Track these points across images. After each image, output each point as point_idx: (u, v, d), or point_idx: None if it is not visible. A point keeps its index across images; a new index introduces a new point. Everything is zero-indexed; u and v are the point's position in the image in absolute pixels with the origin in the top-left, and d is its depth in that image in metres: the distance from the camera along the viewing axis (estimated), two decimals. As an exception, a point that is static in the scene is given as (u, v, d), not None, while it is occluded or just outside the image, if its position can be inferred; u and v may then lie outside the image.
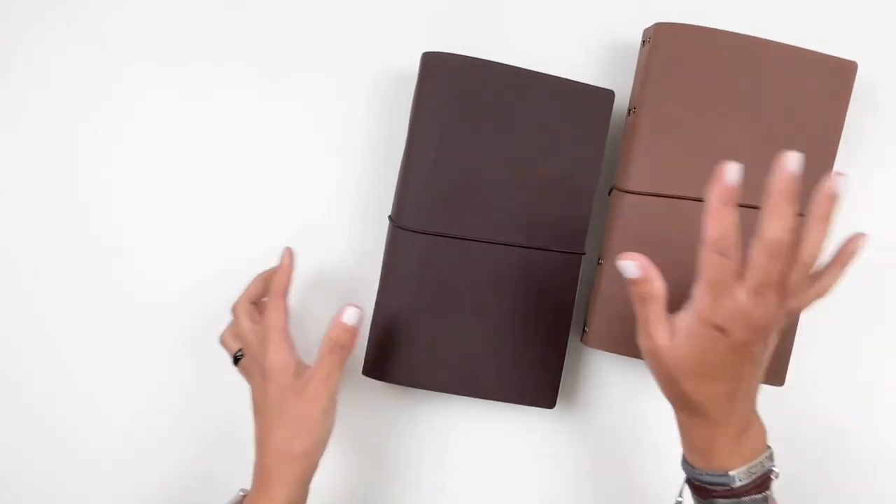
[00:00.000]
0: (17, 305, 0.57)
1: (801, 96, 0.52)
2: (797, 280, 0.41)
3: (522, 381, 0.53)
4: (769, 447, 0.45)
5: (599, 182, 0.53)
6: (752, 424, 0.44)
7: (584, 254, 0.53)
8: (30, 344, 0.57)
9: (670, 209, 0.52)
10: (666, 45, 0.52)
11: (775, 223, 0.39)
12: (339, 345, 0.47)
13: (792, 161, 0.40)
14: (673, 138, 0.52)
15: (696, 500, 0.46)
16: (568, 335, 0.54)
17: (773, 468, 0.45)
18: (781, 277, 0.40)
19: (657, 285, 0.42)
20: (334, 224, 0.58)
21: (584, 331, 0.55)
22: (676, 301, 0.52)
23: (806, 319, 0.55)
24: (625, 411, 0.59)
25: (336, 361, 0.47)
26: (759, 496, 0.43)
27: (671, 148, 0.52)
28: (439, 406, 0.58)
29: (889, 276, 0.60)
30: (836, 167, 0.53)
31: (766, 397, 0.59)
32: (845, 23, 0.59)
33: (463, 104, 0.51)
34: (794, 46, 0.52)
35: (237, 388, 0.51)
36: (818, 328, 0.59)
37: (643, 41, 0.54)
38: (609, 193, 0.55)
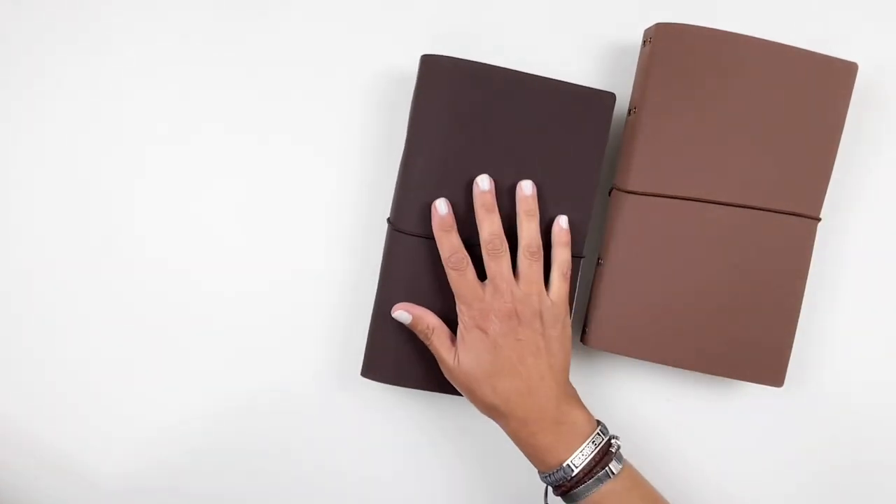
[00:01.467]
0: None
1: (801, 96, 0.52)
2: (526, 267, 0.49)
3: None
4: (598, 422, 0.49)
5: (599, 185, 0.53)
6: (567, 410, 0.48)
7: (583, 257, 0.53)
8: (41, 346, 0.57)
9: (670, 209, 0.52)
10: (666, 45, 0.52)
11: (485, 229, 0.49)
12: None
13: (483, 182, 0.50)
14: (673, 138, 0.52)
15: (563, 500, 0.48)
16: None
17: (613, 439, 0.48)
18: (507, 269, 0.48)
19: (430, 320, 0.50)
20: (333, 225, 0.58)
21: (583, 331, 0.55)
22: (669, 307, 0.53)
23: (806, 319, 0.55)
24: (625, 412, 0.59)
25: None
26: (602, 472, 0.46)
27: (671, 148, 0.52)
28: (439, 407, 0.58)
29: (889, 275, 0.60)
30: (836, 167, 0.53)
31: (767, 397, 0.59)
32: (845, 23, 0.59)
33: (462, 107, 0.51)
34: (794, 47, 0.52)
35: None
36: (818, 328, 0.59)
37: (643, 41, 0.54)
38: (609, 193, 0.55)
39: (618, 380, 0.59)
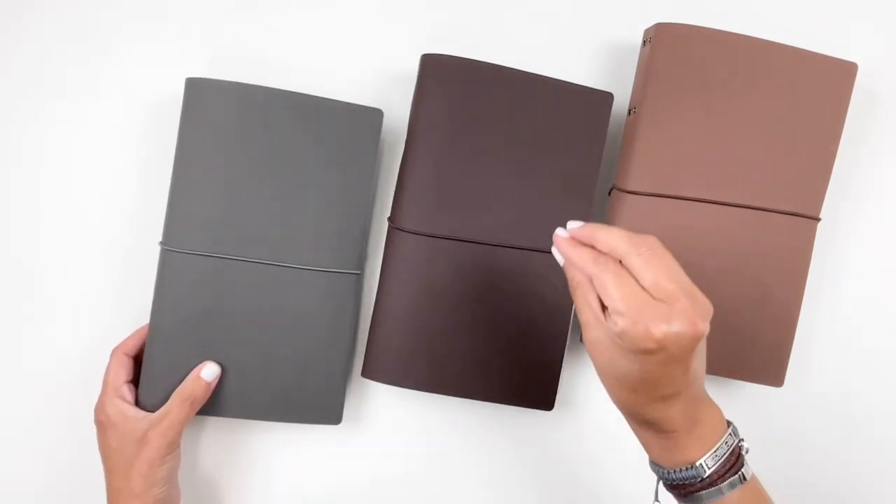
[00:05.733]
0: None
1: (801, 96, 0.52)
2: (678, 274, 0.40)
3: (521, 383, 0.53)
4: (729, 422, 0.44)
5: (598, 185, 0.53)
6: (702, 409, 0.43)
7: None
8: None
9: (670, 209, 0.52)
10: (666, 45, 0.52)
11: (612, 239, 0.40)
12: (191, 397, 0.49)
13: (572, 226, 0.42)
14: (673, 138, 0.52)
15: (677, 499, 0.44)
16: (567, 336, 0.54)
17: (741, 442, 0.43)
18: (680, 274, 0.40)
19: (576, 273, 0.42)
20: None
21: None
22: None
23: (806, 319, 0.55)
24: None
25: (184, 414, 0.49)
26: (735, 477, 0.42)
27: (671, 148, 0.52)
28: (439, 408, 0.58)
29: (889, 275, 0.60)
30: (836, 167, 0.53)
31: (767, 397, 0.59)
32: (845, 23, 0.59)
33: (462, 106, 0.51)
34: (794, 47, 0.52)
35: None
36: (818, 328, 0.59)
37: (644, 41, 0.54)
38: (609, 193, 0.55)
39: (618, 380, 0.59)
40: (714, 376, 0.55)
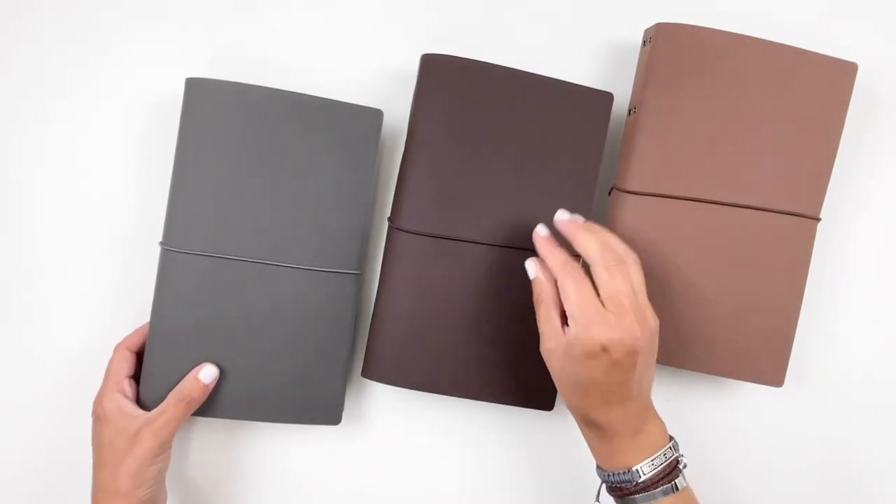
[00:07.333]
0: None
1: (801, 96, 0.52)
2: (638, 279, 0.46)
3: (521, 383, 0.53)
4: (671, 438, 0.48)
5: (598, 185, 0.53)
6: (647, 419, 0.47)
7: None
8: None
9: (670, 209, 0.52)
10: (666, 45, 0.52)
11: (590, 245, 0.45)
12: (187, 398, 0.49)
13: (561, 215, 0.47)
14: (673, 138, 0.52)
15: (616, 501, 0.48)
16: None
17: (680, 457, 0.47)
18: (627, 285, 0.45)
19: (544, 288, 0.47)
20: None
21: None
22: (669, 307, 0.52)
23: (806, 319, 0.55)
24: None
25: (179, 413, 0.49)
26: (668, 485, 0.46)
27: (671, 148, 0.52)
28: (439, 408, 0.58)
29: (889, 275, 0.60)
30: (836, 167, 0.53)
31: (767, 397, 0.59)
32: (845, 23, 0.59)
33: (462, 106, 0.51)
34: (794, 47, 0.52)
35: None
36: (818, 328, 0.59)
37: (644, 41, 0.54)
38: (609, 193, 0.55)
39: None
40: (714, 376, 0.55)
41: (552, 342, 0.46)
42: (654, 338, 0.46)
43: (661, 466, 0.46)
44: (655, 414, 0.48)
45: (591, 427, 0.47)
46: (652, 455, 0.46)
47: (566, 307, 0.45)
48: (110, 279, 0.56)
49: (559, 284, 0.45)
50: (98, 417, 0.50)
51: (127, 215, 0.56)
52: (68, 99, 0.56)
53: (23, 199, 0.56)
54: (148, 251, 0.54)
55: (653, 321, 0.46)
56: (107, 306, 0.56)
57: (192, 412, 0.50)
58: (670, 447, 0.47)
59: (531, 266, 0.48)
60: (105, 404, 0.49)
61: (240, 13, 0.57)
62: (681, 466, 0.47)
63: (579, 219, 0.48)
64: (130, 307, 0.55)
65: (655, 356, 0.47)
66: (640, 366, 0.45)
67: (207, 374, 0.50)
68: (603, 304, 0.44)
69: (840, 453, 0.60)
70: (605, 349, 0.43)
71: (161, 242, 0.50)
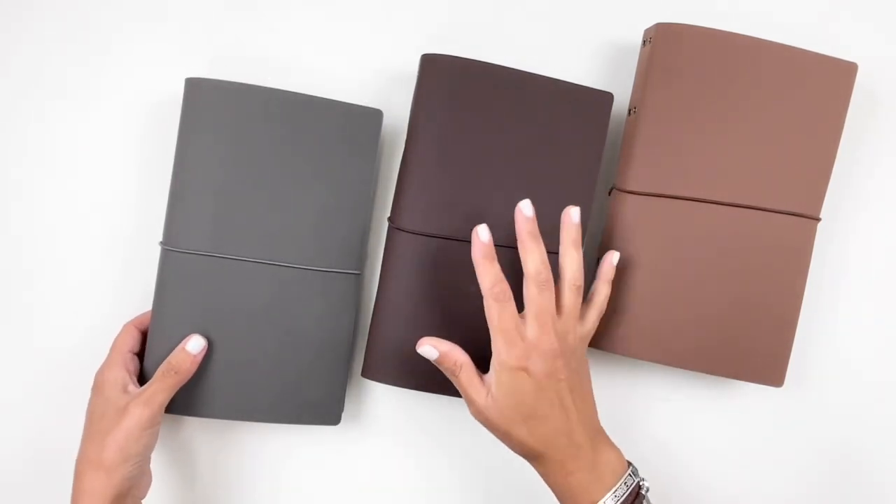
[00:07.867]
0: None
1: (801, 97, 0.52)
2: (570, 302, 0.47)
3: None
4: (629, 463, 0.48)
5: (599, 185, 0.53)
6: (601, 450, 0.47)
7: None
8: None
9: (670, 209, 0.52)
10: (666, 45, 0.52)
11: (530, 259, 0.46)
12: (175, 369, 0.49)
13: (526, 208, 0.47)
14: (673, 138, 0.52)
15: None
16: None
17: (641, 482, 0.47)
18: (552, 303, 0.46)
19: (458, 356, 0.47)
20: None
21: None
22: (669, 307, 0.53)
23: (806, 319, 0.55)
24: (625, 412, 0.59)
25: (167, 384, 0.48)
26: None
27: (671, 148, 0.52)
28: (439, 408, 0.58)
29: (889, 275, 0.60)
30: (836, 167, 0.53)
31: (767, 397, 0.59)
32: (845, 23, 0.59)
33: (462, 106, 0.51)
34: (794, 47, 0.52)
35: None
36: (818, 328, 0.59)
37: (644, 41, 0.54)
38: (609, 193, 0.55)
39: (617, 380, 0.59)
40: (714, 376, 0.55)
41: (480, 398, 0.46)
42: (577, 357, 0.47)
43: (625, 497, 0.46)
44: (609, 441, 0.48)
45: (544, 462, 0.47)
46: (613, 485, 0.46)
47: (489, 326, 0.46)
48: (110, 279, 0.56)
49: (485, 304, 0.46)
50: (95, 387, 0.50)
51: (127, 215, 0.56)
52: (68, 99, 0.56)
53: (23, 198, 0.56)
54: (148, 251, 0.54)
55: (574, 340, 0.47)
56: (107, 306, 0.56)
57: (181, 384, 0.49)
58: (629, 474, 0.47)
59: (429, 351, 0.48)
60: (105, 374, 0.49)
61: (240, 13, 0.57)
62: (643, 492, 0.47)
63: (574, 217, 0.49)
64: (130, 307, 0.55)
65: (586, 377, 0.48)
66: (567, 380, 0.46)
67: (195, 344, 0.49)
68: (524, 321, 0.45)
69: (840, 453, 0.60)
70: (523, 368, 0.45)
71: (161, 242, 0.50)
